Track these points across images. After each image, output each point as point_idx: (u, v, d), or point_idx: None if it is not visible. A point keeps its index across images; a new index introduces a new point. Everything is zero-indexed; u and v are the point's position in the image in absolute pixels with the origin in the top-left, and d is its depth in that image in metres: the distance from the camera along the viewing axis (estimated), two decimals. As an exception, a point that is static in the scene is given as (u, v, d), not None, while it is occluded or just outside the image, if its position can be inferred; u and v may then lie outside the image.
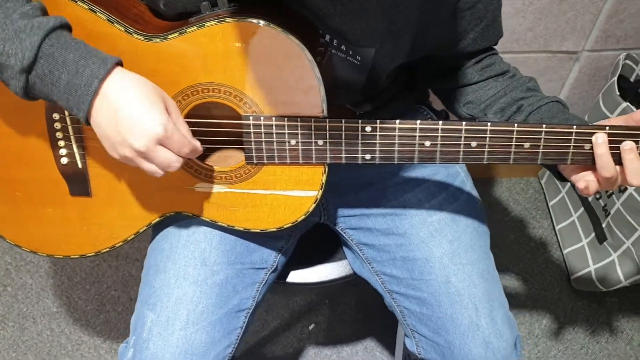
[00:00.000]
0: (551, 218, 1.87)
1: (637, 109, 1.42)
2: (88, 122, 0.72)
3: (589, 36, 1.54)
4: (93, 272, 1.72)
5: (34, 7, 0.70)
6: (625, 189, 1.48)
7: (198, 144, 0.77)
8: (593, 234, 1.65)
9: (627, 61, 1.54)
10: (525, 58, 1.59)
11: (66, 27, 0.72)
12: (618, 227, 1.53)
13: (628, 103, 1.47)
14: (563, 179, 0.87)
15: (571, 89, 1.69)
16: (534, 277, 1.75)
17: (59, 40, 0.70)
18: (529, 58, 1.59)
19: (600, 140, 0.77)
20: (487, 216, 1.03)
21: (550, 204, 1.88)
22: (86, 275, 1.71)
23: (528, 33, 1.52)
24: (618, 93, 1.50)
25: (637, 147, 0.77)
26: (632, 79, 1.54)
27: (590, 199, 1.67)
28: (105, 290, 1.69)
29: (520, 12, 1.46)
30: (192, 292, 0.89)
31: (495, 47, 0.97)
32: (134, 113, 0.70)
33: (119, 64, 0.72)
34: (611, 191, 1.56)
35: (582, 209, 1.71)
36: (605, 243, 1.59)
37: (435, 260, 0.94)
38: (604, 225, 1.60)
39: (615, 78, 1.53)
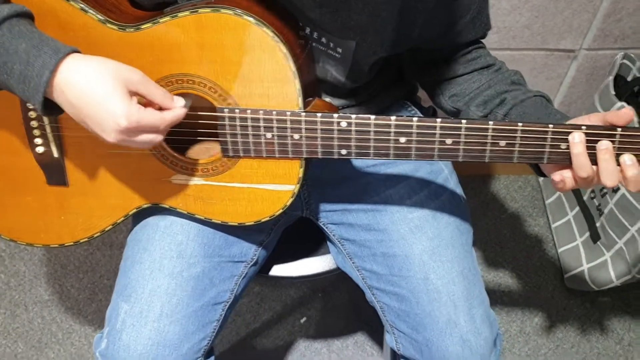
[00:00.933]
0: (547, 216, 1.86)
1: (632, 107, 1.41)
2: (47, 114, 0.71)
3: (587, 35, 1.52)
4: (87, 261, 1.72)
5: None
6: (618, 188, 1.47)
7: (177, 112, 0.74)
8: (587, 233, 1.64)
9: (625, 61, 1.52)
10: (522, 55, 1.57)
11: (24, 15, 0.70)
12: (611, 227, 1.52)
13: (623, 102, 1.45)
14: (543, 174, 0.86)
15: (569, 87, 1.68)
16: (528, 274, 1.74)
17: (12, 29, 0.68)
18: (527, 55, 1.57)
19: (577, 140, 0.75)
20: (474, 213, 1.02)
21: (547, 202, 1.87)
22: (80, 263, 1.72)
23: (525, 30, 1.50)
24: (614, 92, 1.48)
25: (614, 147, 0.76)
26: (629, 79, 1.52)
27: (585, 197, 1.66)
28: (98, 279, 1.69)
29: (516, 9, 1.45)
30: (166, 284, 0.89)
31: (484, 40, 0.96)
32: (93, 108, 0.69)
33: (75, 52, 0.70)
34: (605, 190, 1.54)
35: (577, 208, 1.70)
36: (598, 242, 1.58)
37: (415, 257, 0.94)
38: (598, 224, 1.59)
39: (612, 77, 1.51)
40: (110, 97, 0.68)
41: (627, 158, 0.75)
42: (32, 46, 0.68)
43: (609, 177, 0.75)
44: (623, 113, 0.74)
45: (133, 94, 0.71)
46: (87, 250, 1.74)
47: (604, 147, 0.75)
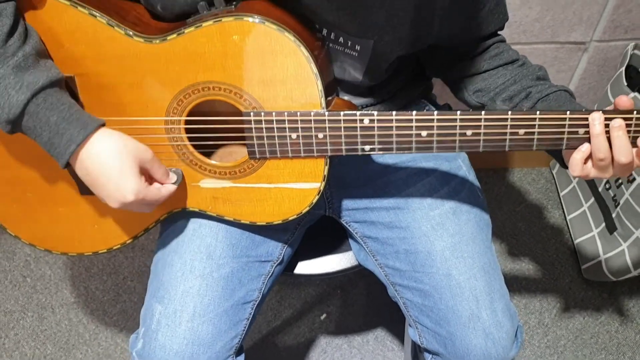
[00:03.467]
0: (562, 208, 1.87)
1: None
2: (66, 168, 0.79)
3: (597, 26, 1.53)
4: (110, 264, 1.76)
5: (27, 57, 0.74)
6: (634, 179, 1.48)
7: (169, 188, 0.84)
8: (603, 224, 1.65)
9: (636, 51, 1.53)
10: (533, 49, 1.58)
11: (57, 83, 0.77)
12: (627, 217, 1.53)
13: (636, 93, 1.46)
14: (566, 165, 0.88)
15: (580, 79, 1.69)
16: (545, 267, 1.76)
17: (46, 100, 0.75)
18: (537, 49, 1.59)
19: (597, 120, 0.78)
20: (489, 207, 1.04)
21: (561, 194, 1.88)
22: (103, 266, 1.75)
23: (535, 24, 1.52)
24: (626, 83, 1.49)
25: (630, 130, 0.78)
26: (640, 69, 1.53)
27: (600, 189, 1.67)
28: (122, 280, 1.72)
29: (526, 3, 1.46)
30: (198, 285, 0.92)
31: (501, 33, 0.97)
32: (107, 179, 0.77)
33: (101, 126, 0.78)
34: (620, 181, 1.56)
35: (592, 199, 1.71)
36: (615, 233, 1.59)
37: (437, 254, 0.96)
38: (613, 215, 1.60)
39: (624, 68, 1.52)
40: (125, 174, 0.78)
41: None
42: (62, 119, 0.75)
43: (622, 152, 0.78)
44: (618, 99, 0.79)
45: (143, 170, 0.80)
46: (110, 253, 1.77)
47: (617, 124, 0.78)
